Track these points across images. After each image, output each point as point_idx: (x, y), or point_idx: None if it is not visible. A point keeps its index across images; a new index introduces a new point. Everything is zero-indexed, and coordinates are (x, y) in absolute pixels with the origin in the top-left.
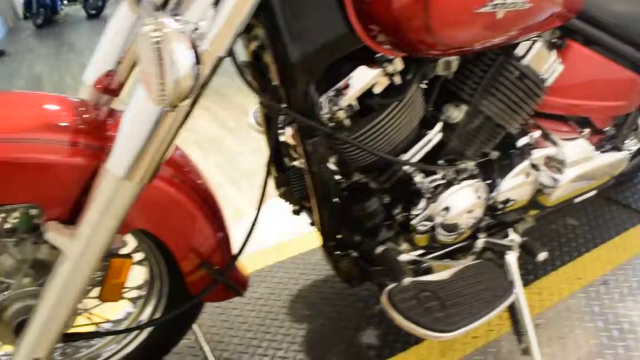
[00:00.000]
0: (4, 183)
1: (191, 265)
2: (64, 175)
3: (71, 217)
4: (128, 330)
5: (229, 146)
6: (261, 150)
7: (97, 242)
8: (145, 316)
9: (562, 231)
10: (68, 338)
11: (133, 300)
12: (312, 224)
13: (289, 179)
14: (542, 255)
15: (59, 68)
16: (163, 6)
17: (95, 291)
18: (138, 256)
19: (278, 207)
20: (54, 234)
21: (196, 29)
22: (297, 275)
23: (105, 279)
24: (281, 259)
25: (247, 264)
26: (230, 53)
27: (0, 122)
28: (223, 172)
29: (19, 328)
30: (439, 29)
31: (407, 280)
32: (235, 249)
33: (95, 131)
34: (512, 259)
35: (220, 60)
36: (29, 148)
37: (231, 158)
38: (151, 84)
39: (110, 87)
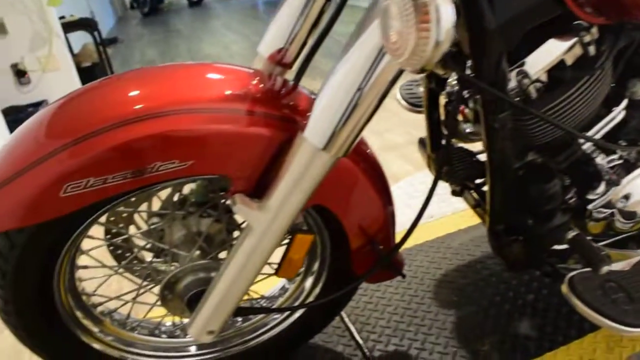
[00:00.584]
0: (198, 155)
1: (360, 242)
2: (253, 146)
3: (255, 190)
4: (303, 307)
5: None
6: (379, 132)
7: (286, 214)
8: (302, 293)
9: None
10: (238, 312)
11: None
12: (477, 205)
13: (451, 158)
14: None
15: (169, 53)
16: None
17: None
18: None
19: (409, 190)
20: (241, 206)
21: None
22: (439, 259)
23: (286, 254)
24: (419, 242)
25: None
26: None
27: (184, 93)
28: None
29: (191, 301)
30: None
31: (606, 268)
32: None
33: (274, 101)
34: None
35: None
36: (219, 118)
37: None
38: (407, 46)
39: (282, 60)
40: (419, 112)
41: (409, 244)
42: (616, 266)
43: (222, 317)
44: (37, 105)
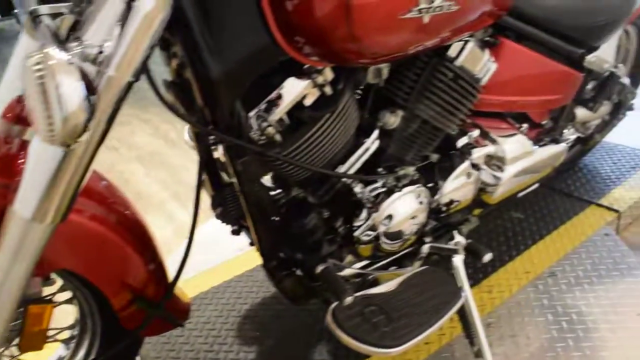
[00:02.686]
0: None
1: (123, 300)
2: None
3: None
4: None
5: (173, 161)
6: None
7: (9, 289)
8: (79, 357)
9: (508, 225)
10: None
11: (65, 341)
12: (252, 243)
13: (225, 198)
14: (487, 257)
15: None
16: (70, 29)
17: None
18: (65, 295)
19: (217, 225)
20: None
21: (101, 52)
22: (245, 294)
23: (24, 328)
24: (227, 278)
25: (192, 287)
26: (146, 72)
27: None
28: (166, 188)
29: None
30: (364, 37)
31: (349, 299)
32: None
33: (6, 167)
34: (458, 262)
35: (130, 85)
36: None
37: (175, 173)
38: (39, 122)
39: (21, 115)
40: None
41: (216, 282)
42: (385, 287)
43: None
44: None
